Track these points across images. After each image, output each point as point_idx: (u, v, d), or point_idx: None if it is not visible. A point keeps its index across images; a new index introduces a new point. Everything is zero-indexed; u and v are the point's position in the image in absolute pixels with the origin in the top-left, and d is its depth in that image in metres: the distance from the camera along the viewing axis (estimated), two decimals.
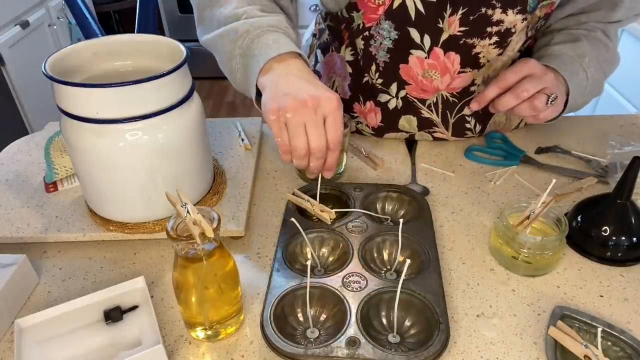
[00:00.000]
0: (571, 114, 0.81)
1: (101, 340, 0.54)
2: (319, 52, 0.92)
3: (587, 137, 0.90)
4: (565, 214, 0.68)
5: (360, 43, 0.80)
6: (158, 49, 0.68)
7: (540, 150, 0.86)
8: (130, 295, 0.58)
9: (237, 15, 0.69)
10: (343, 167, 0.81)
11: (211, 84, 3.20)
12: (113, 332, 0.55)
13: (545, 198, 0.63)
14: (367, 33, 0.78)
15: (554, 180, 0.63)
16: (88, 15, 2.19)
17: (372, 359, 0.50)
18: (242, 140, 0.86)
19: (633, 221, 0.64)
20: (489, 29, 0.72)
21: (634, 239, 0.64)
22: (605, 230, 0.64)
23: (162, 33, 2.98)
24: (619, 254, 0.64)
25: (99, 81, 0.64)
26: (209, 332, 0.55)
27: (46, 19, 2.21)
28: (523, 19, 0.71)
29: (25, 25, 2.04)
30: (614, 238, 0.64)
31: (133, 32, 2.25)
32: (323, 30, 0.90)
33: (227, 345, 0.56)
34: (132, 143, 0.60)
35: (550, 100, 0.69)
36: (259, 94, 0.66)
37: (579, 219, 0.67)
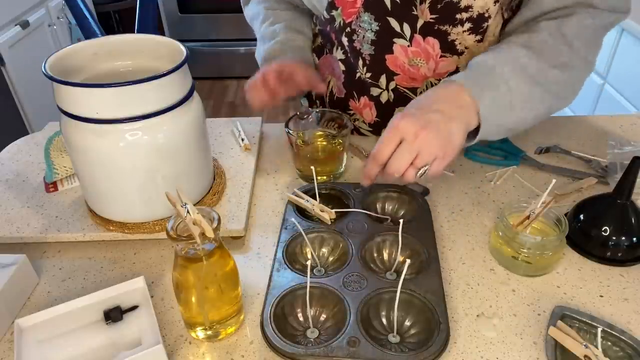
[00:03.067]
0: (570, 113, 0.81)
1: (101, 340, 0.54)
2: (314, 56, 0.94)
3: (587, 137, 0.90)
4: (565, 214, 0.68)
5: (344, 40, 0.82)
6: (158, 49, 0.68)
7: (540, 150, 0.86)
8: (130, 295, 0.58)
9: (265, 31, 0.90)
10: (343, 167, 0.81)
11: (211, 84, 3.20)
12: (113, 332, 0.55)
13: (545, 198, 0.63)
14: (348, 29, 0.79)
15: (554, 180, 0.63)
16: (88, 15, 2.19)
17: (372, 359, 0.50)
18: (242, 140, 0.86)
19: (633, 221, 0.64)
20: (458, 16, 0.72)
21: (634, 239, 0.64)
22: (605, 230, 0.64)
23: (162, 33, 2.97)
24: (619, 254, 0.64)
25: (99, 81, 0.64)
26: (209, 332, 0.55)
27: (46, 19, 2.21)
28: (495, 2, 0.70)
29: (25, 25, 2.04)
30: (614, 238, 0.64)
31: (133, 32, 2.25)
32: (316, 35, 0.93)
33: (227, 345, 0.56)
34: (132, 143, 0.60)
35: (418, 174, 0.62)
36: None
37: (579, 219, 0.67)
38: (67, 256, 0.68)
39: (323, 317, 0.58)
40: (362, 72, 0.84)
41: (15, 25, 2.00)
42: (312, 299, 0.56)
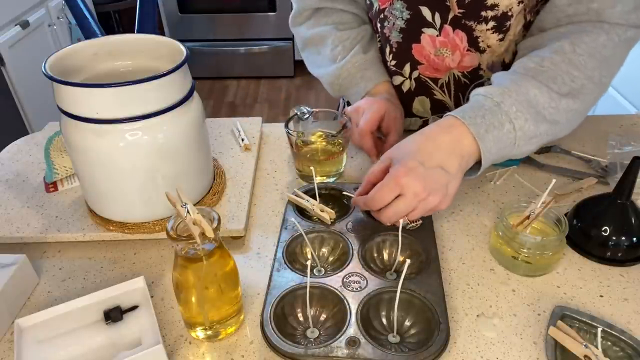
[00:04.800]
0: None
1: (101, 340, 0.54)
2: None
3: (587, 137, 0.90)
4: (565, 214, 0.68)
5: (378, 26, 0.84)
6: (158, 49, 0.68)
7: (540, 150, 0.86)
8: (130, 295, 0.58)
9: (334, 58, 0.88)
10: (343, 167, 0.81)
11: (211, 84, 3.21)
12: (113, 332, 0.55)
13: (545, 198, 0.63)
14: (382, 15, 0.82)
15: (554, 180, 0.63)
16: (88, 15, 2.19)
17: (372, 359, 0.50)
18: (242, 140, 0.86)
19: (633, 221, 0.64)
20: (483, 13, 0.73)
21: (634, 239, 0.64)
22: (605, 230, 0.64)
23: (162, 33, 2.97)
24: (619, 254, 0.64)
25: (99, 81, 0.64)
26: (209, 332, 0.55)
27: (46, 19, 2.21)
28: (519, 2, 0.71)
29: (25, 25, 2.04)
30: (614, 238, 0.64)
31: (133, 32, 2.24)
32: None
33: (227, 345, 0.56)
34: (132, 143, 0.60)
35: (409, 226, 0.64)
36: None
37: (579, 219, 0.67)
38: (67, 256, 0.68)
39: (323, 317, 0.58)
40: (388, 60, 0.85)
41: (15, 25, 2.01)
42: (312, 299, 0.56)
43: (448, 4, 0.74)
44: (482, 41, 0.76)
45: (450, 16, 0.76)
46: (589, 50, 0.65)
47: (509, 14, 0.72)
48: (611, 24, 0.65)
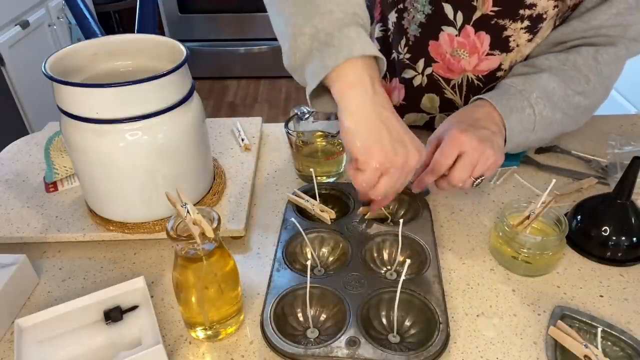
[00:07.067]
0: None
1: (101, 340, 0.54)
2: None
3: (587, 137, 0.90)
4: (565, 214, 0.68)
5: (393, 16, 0.83)
6: (158, 49, 0.68)
7: (540, 150, 0.86)
8: (130, 295, 0.58)
9: None
10: (343, 167, 0.81)
11: (211, 84, 3.20)
12: (113, 332, 0.55)
13: (545, 198, 0.63)
14: (401, 5, 0.81)
15: (554, 180, 0.63)
16: (88, 15, 2.19)
17: (372, 359, 0.50)
18: (242, 140, 0.86)
19: (633, 221, 0.64)
20: (521, 12, 0.72)
21: (634, 239, 0.64)
22: (605, 230, 0.64)
23: (162, 33, 2.97)
24: (619, 254, 0.64)
25: (99, 81, 0.64)
26: (209, 332, 0.55)
27: (46, 19, 2.21)
28: (554, 6, 0.71)
29: (25, 25, 2.04)
30: (614, 238, 0.64)
31: (133, 32, 2.24)
32: None
33: (227, 345, 0.56)
34: (132, 143, 0.60)
35: (475, 183, 0.66)
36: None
37: (579, 219, 0.67)
38: (67, 256, 0.68)
39: (323, 317, 0.58)
40: (402, 52, 0.84)
41: (15, 25, 2.00)
42: (312, 299, 0.56)
43: (475, 4, 0.73)
44: (514, 40, 0.76)
45: (475, 16, 0.74)
46: (609, 60, 0.72)
47: (544, 16, 0.72)
48: (630, 40, 0.72)
